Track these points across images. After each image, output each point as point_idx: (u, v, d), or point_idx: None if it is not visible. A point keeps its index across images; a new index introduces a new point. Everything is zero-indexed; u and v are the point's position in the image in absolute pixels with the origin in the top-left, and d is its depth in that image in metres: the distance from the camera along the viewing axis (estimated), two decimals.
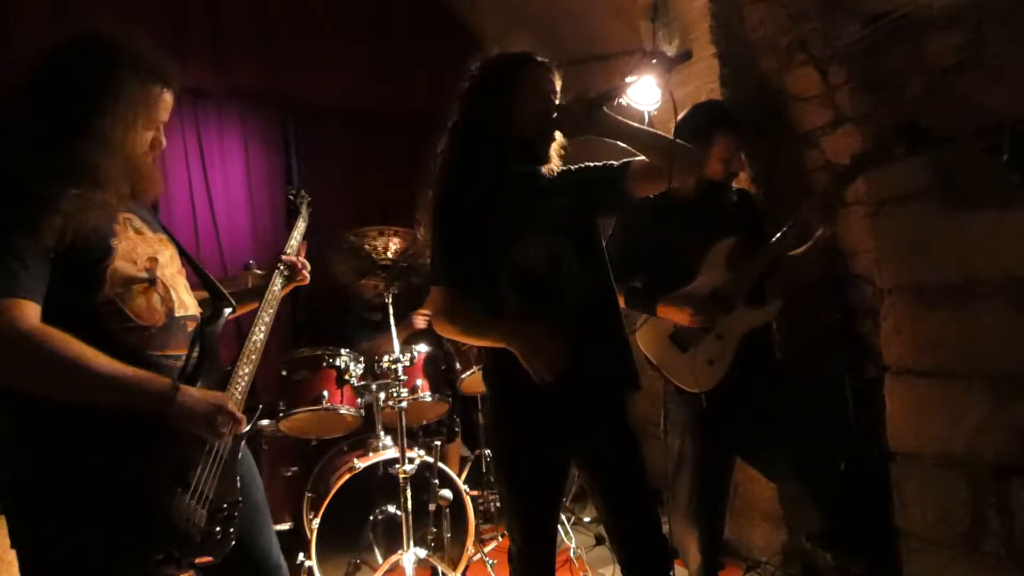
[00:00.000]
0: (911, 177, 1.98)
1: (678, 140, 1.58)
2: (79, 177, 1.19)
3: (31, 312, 1.13)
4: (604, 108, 1.56)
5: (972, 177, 1.81)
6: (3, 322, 1.09)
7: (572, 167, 1.70)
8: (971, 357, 1.87)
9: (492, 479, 3.39)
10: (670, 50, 2.86)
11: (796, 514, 2.14)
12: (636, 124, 1.62)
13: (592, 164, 1.72)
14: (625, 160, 1.67)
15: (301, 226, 1.88)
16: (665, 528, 3.11)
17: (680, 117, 2.05)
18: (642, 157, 1.62)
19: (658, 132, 1.64)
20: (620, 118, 1.60)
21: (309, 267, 1.75)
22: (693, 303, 1.95)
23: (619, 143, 1.62)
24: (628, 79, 1.71)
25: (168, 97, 1.37)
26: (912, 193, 1.98)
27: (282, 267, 1.69)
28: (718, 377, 1.97)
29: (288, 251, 1.74)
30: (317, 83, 3.82)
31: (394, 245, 2.76)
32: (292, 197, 2.00)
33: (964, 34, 1.83)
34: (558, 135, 1.64)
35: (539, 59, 1.63)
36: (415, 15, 4.05)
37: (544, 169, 1.67)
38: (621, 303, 1.99)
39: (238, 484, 1.36)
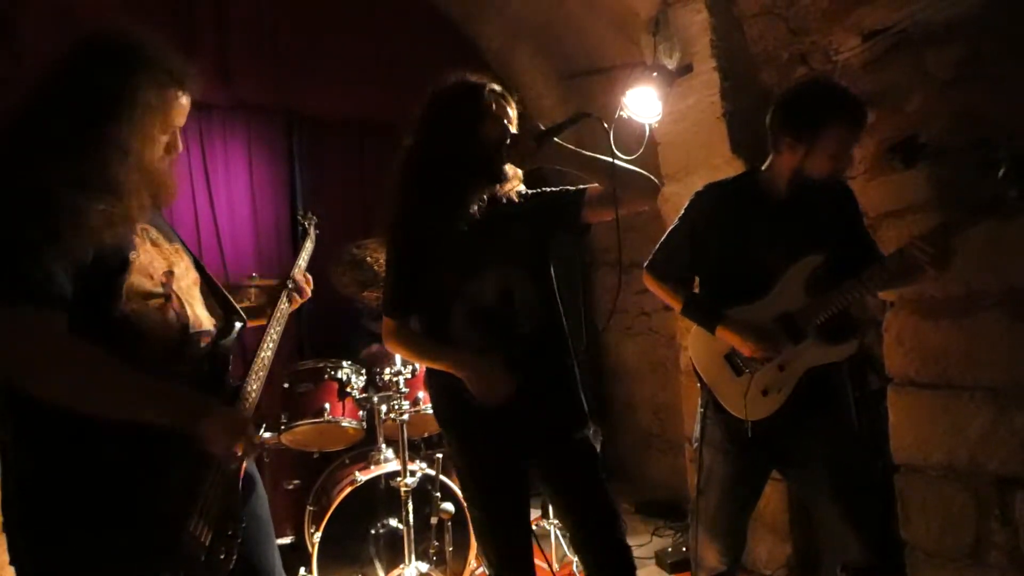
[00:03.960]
0: (912, 190, 1.99)
1: (632, 167, 1.60)
2: (100, 189, 1.16)
3: (62, 322, 1.11)
4: (554, 139, 1.60)
5: (972, 189, 1.82)
6: (38, 330, 1.07)
7: (530, 191, 1.73)
8: (973, 368, 1.87)
9: None
10: (671, 63, 2.88)
11: (833, 541, 1.86)
12: (587, 152, 1.65)
13: (549, 189, 1.75)
14: (582, 186, 1.70)
15: (309, 247, 1.91)
16: (667, 542, 3.10)
17: (788, 94, 1.79)
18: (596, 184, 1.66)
19: (608, 159, 1.62)
20: (570, 147, 1.63)
21: (311, 282, 1.76)
22: (757, 333, 1.75)
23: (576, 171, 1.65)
24: (580, 111, 1.64)
25: (185, 101, 1.32)
26: (913, 205, 1.99)
27: (290, 284, 1.69)
28: (771, 410, 1.79)
29: (295, 272, 1.75)
30: (322, 96, 3.84)
31: None
32: (300, 218, 2.03)
33: (962, 49, 1.85)
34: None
35: (495, 88, 1.67)
36: (419, 29, 4.08)
37: (502, 193, 1.68)
38: (676, 304, 1.90)
39: (241, 503, 1.35)
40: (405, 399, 2.64)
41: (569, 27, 3.51)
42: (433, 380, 1.75)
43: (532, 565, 1.71)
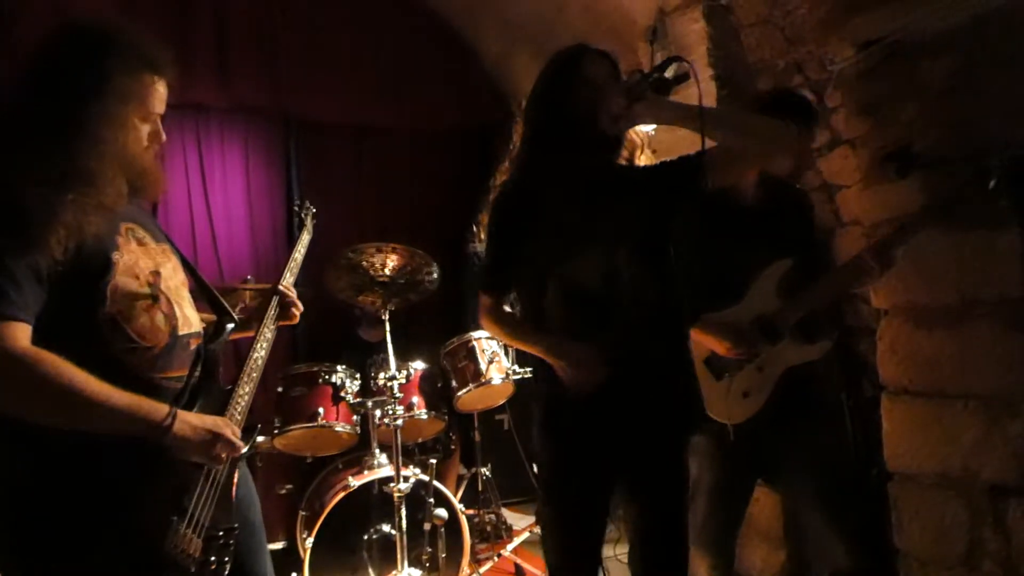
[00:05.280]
0: (906, 199, 2.00)
1: (756, 115, 1.46)
2: (72, 180, 1.13)
3: (22, 334, 1.07)
4: (646, 95, 1.44)
5: (965, 199, 1.83)
6: None
7: (648, 166, 1.63)
8: (966, 377, 1.88)
9: (489, 497, 3.37)
10: (668, 71, 2.89)
11: (820, 548, 1.88)
12: (693, 104, 1.45)
13: (670, 159, 1.61)
14: (701, 150, 1.49)
15: (305, 239, 1.85)
16: None
17: (749, 105, 1.94)
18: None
19: (724, 109, 1.53)
20: (672, 101, 1.45)
21: (301, 309, 1.66)
22: (733, 334, 1.78)
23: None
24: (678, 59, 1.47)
25: (161, 88, 1.28)
26: (907, 214, 2.00)
27: (280, 292, 1.62)
28: (752, 411, 1.82)
29: (288, 275, 1.68)
30: (320, 100, 3.85)
31: (392, 262, 2.76)
32: (297, 209, 1.99)
33: (955, 60, 1.86)
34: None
35: (592, 48, 1.58)
36: (419, 34, 4.10)
37: (620, 162, 1.57)
38: None
39: (234, 509, 1.32)
40: (399, 404, 2.63)
41: (568, 34, 3.52)
42: (535, 372, 1.66)
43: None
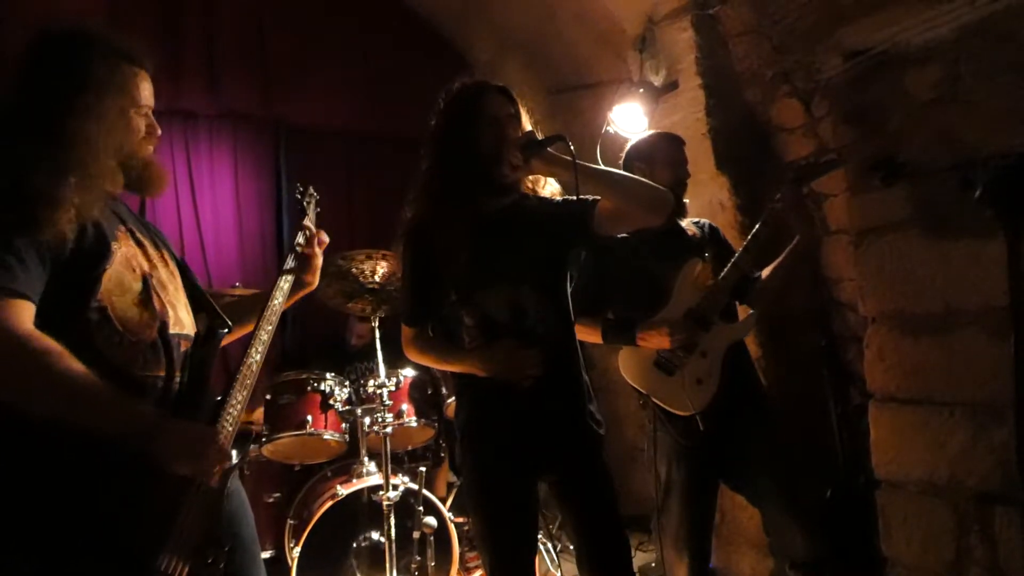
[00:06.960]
0: (892, 207, 2.02)
1: (640, 179, 1.60)
2: (69, 168, 1.15)
3: (26, 313, 1.07)
4: (539, 151, 1.55)
5: (951, 208, 1.85)
6: None
7: (549, 199, 1.69)
8: (953, 385, 1.89)
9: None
10: (657, 80, 2.91)
11: (781, 542, 2.04)
12: (588, 164, 1.57)
13: (564, 199, 1.69)
14: (595, 199, 1.61)
15: (309, 222, 1.77)
16: (651, 556, 3.09)
17: (629, 150, 2.18)
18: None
19: (616, 171, 1.65)
20: (566, 158, 1.53)
21: (324, 237, 1.66)
22: (671, 323, 1.92)
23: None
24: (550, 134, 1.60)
25: (145, 80, 1.32)
26: (893, 223, 2.02)
27: (291, 260, 1.59)
28: (709, 395, 1.93)
29: (297, 248, 1.65)
30: (310, 107, 3.84)
31: (382, 269, 2.75)
32: (299, 196, 1.92)
33: (941, 70, 1.88)
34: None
35: (492, 85, 1.65)
36: (408, 41, 4.10)
37: (518, 202, 1.66)
38: (598, 338, 2.00)
39: (225, 525, 1.27)
40: (388, 412, 2.62)
41: (558, 42, 3.54)
42: (461, 386, 1.72)
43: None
